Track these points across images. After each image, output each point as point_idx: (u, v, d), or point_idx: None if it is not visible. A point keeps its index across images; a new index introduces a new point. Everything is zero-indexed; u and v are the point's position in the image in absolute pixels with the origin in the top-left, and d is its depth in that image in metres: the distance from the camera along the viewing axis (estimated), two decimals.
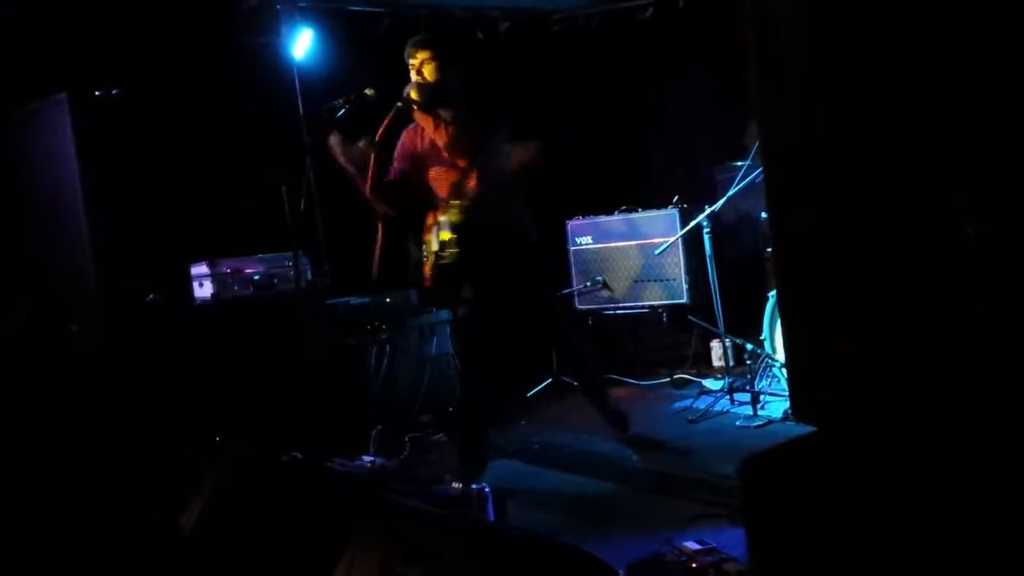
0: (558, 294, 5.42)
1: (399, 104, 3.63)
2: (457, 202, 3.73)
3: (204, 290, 4.50)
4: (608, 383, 4.43)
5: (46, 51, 4.53)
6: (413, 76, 3.72)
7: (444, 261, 3.78)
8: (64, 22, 4.58)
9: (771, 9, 1.82)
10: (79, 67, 4.52)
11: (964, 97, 1.56)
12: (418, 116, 3.75)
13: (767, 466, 1.76)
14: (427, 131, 3.76)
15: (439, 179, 3.83)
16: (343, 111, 3.70)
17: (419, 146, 3.86)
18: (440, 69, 3.69)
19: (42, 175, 4.50)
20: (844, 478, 1.70)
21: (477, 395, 3.95)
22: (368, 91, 3.75)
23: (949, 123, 1.60)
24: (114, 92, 4.43)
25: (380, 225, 3.88)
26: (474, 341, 3.95)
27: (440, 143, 3.70)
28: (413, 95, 3.63)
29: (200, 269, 4.52)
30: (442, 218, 3.79)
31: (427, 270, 3.90)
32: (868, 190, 1.73)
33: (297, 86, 5.29)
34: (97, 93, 4.40)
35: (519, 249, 3.87)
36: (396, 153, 3.92)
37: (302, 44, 5.20)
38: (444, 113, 3.70)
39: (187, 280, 4.59)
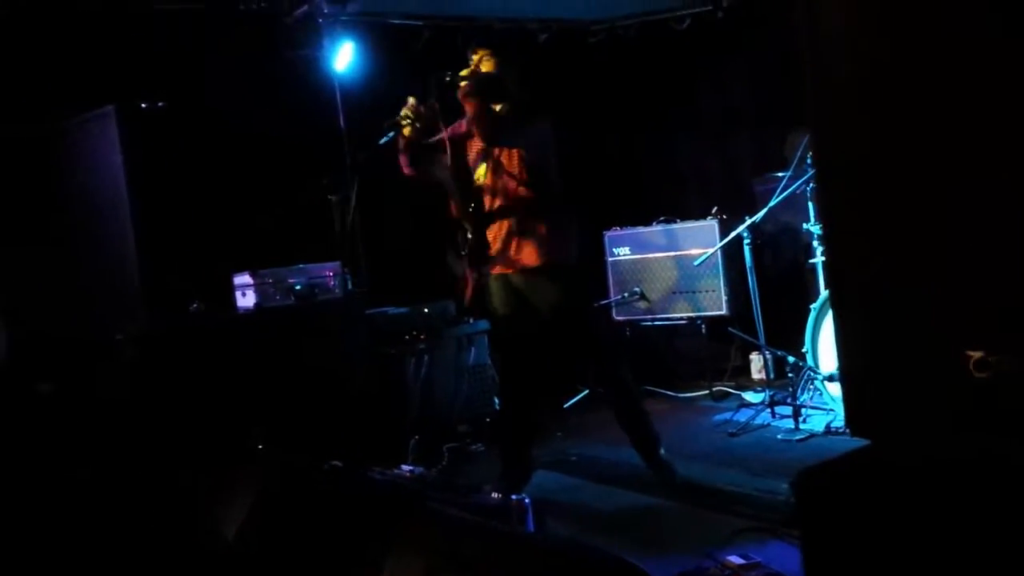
0: (596, 307, 5.37)
1: (448, 76, 3.57)
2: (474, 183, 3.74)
3: (247, 299, 4.55)
4: (644, 410, 4.30)
5: (94, 64, 4.62)
6: (472, 68, 3.70)
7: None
8: (110, 36, 4.67)
9: (826, 24, 1.80)
10: (126, 80, 4.61)
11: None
12: (467, 105, 3.61)
13: (823, 480, 1.73)
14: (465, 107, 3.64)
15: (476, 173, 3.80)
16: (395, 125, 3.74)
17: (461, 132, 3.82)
18: (497, 65, 3.70)
19: (90, 185, 4.58)
20: (902, 493, 1.68)
21: (517, 406, 3.94)
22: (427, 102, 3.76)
23: (1008, 128, 1.58)
24: (160, 104, 4.51)
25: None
26: (513, 352, 3.93)
27: (472, 113, 3.61)
28: (464, 72, 3.60)
29: (243, 279, 4.57)
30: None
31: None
32: (925, 199, 1.71)
33: (339, 98, 5.36)
34: (143, 105, 4.48)
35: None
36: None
37: (344, 57, 5.27)
38: (495, 106, 3.68)
39: (230, 289, 4.64)
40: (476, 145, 3.81)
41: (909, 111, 1.73)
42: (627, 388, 3.96)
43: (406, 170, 3.84)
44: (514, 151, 3.69)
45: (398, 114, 3.75)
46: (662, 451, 3.88)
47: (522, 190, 3.69)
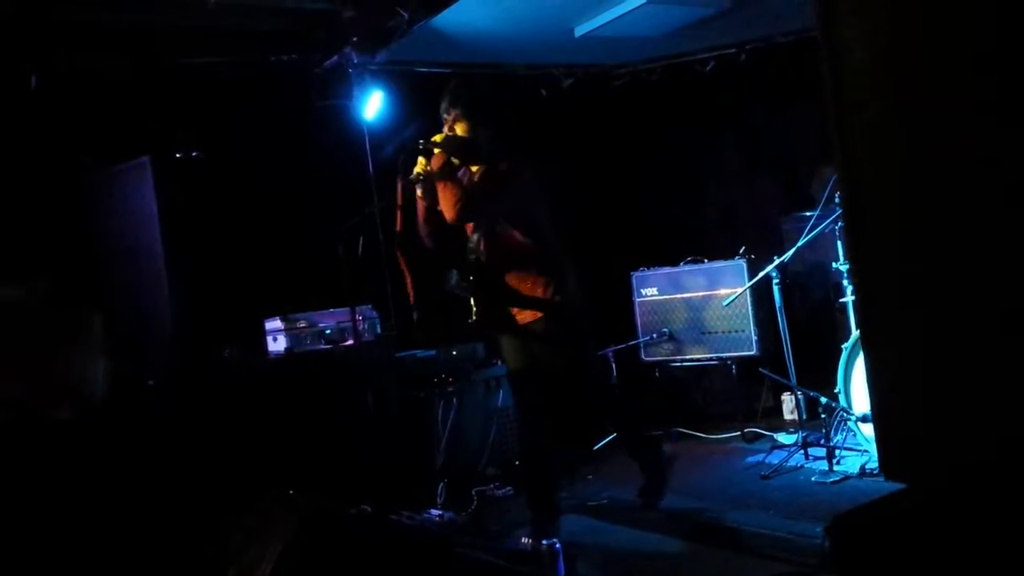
0: (594, 353, 5.17)
1: (420, 144, 3.62)
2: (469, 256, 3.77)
3: (278, 344, 4.60)
4: (653, 441, 4.31)
5: (131, 116, 4.75)
6: (445, 130, 3.72)
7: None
8: (146, 89, 4.81)
9: (850, 61, 1.81)
10: (161, 131, 4.73)
11: None
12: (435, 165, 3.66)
13: (858, 525, 1.71)
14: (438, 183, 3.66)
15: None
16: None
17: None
18: (470, 125, 3.68)
19: (125, 234, 4.68)
20: (938, 538, 1.65)
21: (536, 449, 3.92)
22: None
23: None
24: (194, 155, 4.61)
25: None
26: (523, 395, 3.92)
27: (438, 185, 3.62)
28: (437, 139, 3.63)
29: (274, 324, 4.62)
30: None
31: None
32: (956, 237, 1.70)
33: (367, 146, 5.46)
34: (178, 155, 4.59)
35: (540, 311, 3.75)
36: None
37: (373, 105, 5.38)
38: (472, 167, 3.73)
39: (262, 334, 4.69)
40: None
41: (937, 147, 1.73)
42: (634, 428, 4.11)
43: (428, 242, 3.82)
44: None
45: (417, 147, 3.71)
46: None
47: (516, 252, 3.69)
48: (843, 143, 1.85)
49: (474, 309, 3.81)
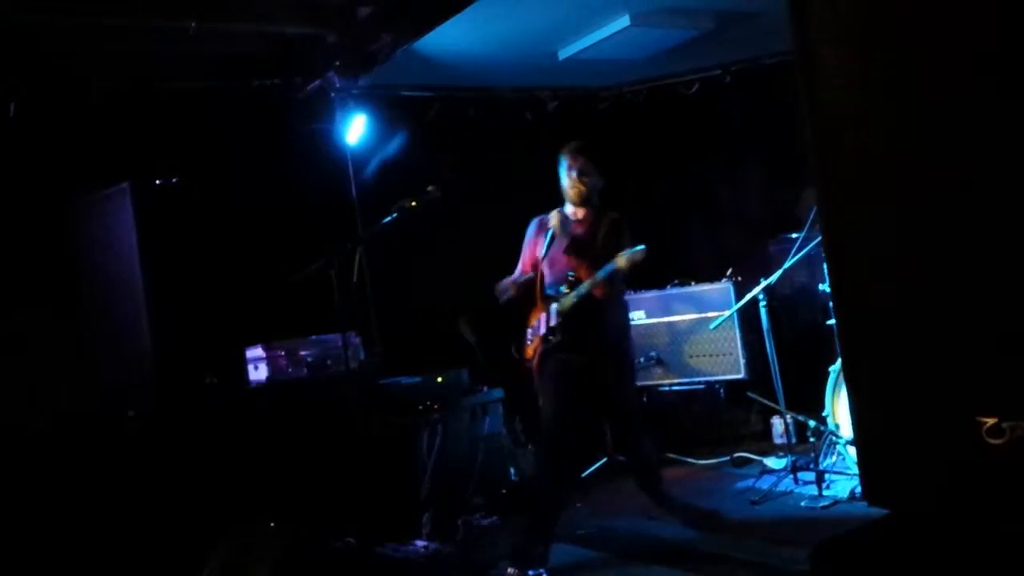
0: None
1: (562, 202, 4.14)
2: (568, 291, 3.99)
3: (259, 372, 4.53)
4: (658, 470, 4.39)
5: (110, 141, 4.71)
6: (569, 180, 4.10)
7: (551, 344, 4.01)
8: (126, 114, 4.78)
9: (827, 85, 1.79)
10: (141, 156, 4.69)
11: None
12: (571, 214, 4.15)
13: (839, 554, 1.65)
14: (569, 220, 4.11)
15: (555, 264, 4.08)
16: (411, 208, 4.02)
17: (546, 232, 4.14)
18: (592, 180, 4.12)
19: (104, 261, 4.63)
20: (920, 565, 1.60)
21: (560, 483, 4.03)
22: (431, 188, 4.08)
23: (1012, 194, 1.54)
24: (174, 180, 4.57)
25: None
26: (564, 418, 3.99)
27: (579, 233, 4.07)
28: (571, 195, 4.12)
29: (255, 352, 4.56)
30: (554, 305, 4.02)
31: (530, 351, 4.14)
32: (936, 262, 1.67)
33: (351, 170, 5.43)
34: (158, 182, 4.54)
35: (618, 343, 4.15)
36: (525, 252, 4.27)
37: (355, 130, 5.35)
38: (584, 212, 4.13)
39: (243, 362, 4.63)
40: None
41: (914, 170, 1.71)
42: (648, 459, 4.28)
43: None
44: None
45: (411, 198, 4.01)
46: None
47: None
48: (822, 167, 1.83)
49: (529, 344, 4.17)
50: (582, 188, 4.07)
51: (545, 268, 4.11)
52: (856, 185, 1.80)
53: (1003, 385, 1.54)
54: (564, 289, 4.00)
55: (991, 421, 1.53)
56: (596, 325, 3.99)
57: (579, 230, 4.08)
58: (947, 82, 1.63)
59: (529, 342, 4.16)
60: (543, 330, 4.04)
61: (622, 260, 3.82)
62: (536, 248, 4.17)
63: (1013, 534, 1.51)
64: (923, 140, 1.68)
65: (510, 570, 3.75)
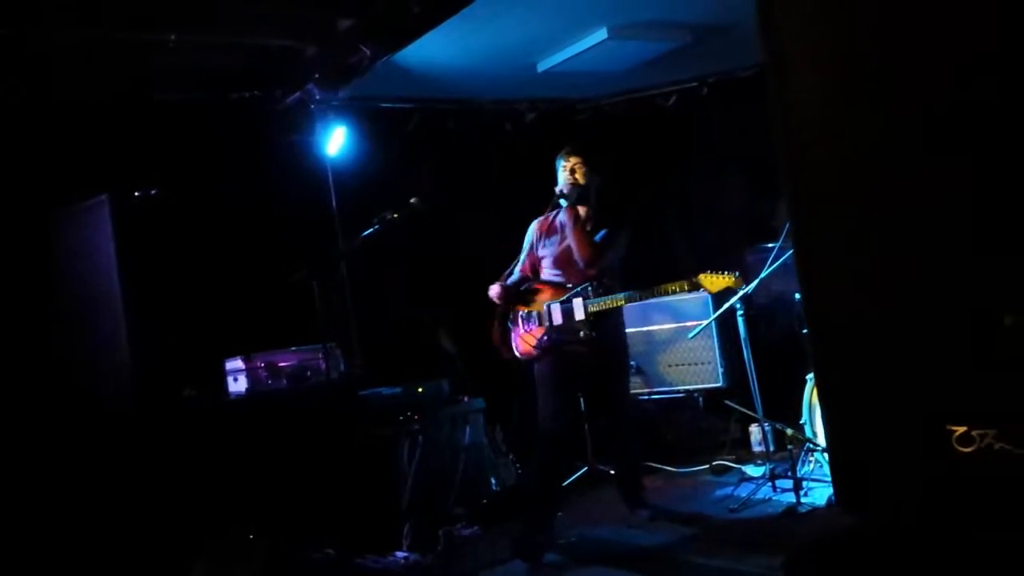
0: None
1: (558, 200, 4.18)
2: (590, 285, 4.12)
3: (239, 384, 4.52)
4: (641, 477, 4.54)
5: (88, 153, 4.70)
6: (565, 176, 4.22)
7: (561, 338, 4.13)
8: (105, 126, 4.76)
9: (796, 96, 1.83)
10: (120, 168, 4.67)
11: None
12: (568, 214, 4.22)
13: (812, 562, 1.68)
14: (571, 232, 4.19)
15: (561, 261, 4.23)
16: (393, 220, 4.16)
17: (548, 229, 4.33)
18: (587, 174, 4.22)
19: (83, 273, 4.61)
20: (894, 573, 1.63)
21: (558, 472, 4.24)
22: (413, 200, 4.20)
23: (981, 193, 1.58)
24: (153, 192, 4.56)
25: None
26: (565, 411, 4.17)
27: (574, 234, 4.15)
28: (566, 193, 4.17)
29: (235, 364, 4.55)
30: (578, 300, 4.13)
31: (527, 345, 4.24)
32: (903, 268, 1.71)
33: (331, 181, 5.43)
34: (137, 193, 4.53)
35: (618, 341, 4.32)
36: (525, 254, 4.41)
37: (336, 141, 5.36)
38: (582, 210, 4.23)
39: (222, 374, 4.62)
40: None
41: (883, 184, 1.75)
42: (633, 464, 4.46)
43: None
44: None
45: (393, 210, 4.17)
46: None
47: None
48: (793, 180, 1.87)
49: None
50: (578, 184, 4.19)
51: (549, 263, 4.26)
52: (825, 195, 1.84)
53: (972, 394, 1.58)
54: (585, 290, 4.11)
55: (961, 430, 1.57)
56: (610, 323, 4.17)
57: (576, 240, 4.17)
58: (916, 92, 1.67)
59: (525, 332, 4.23)
60: (546, 323, 4.17)
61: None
62: (538, 249, 4.32)
63: (984, 541, 1.55)
64: (892, 150, 1.71)
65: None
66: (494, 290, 4.36)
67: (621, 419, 4.38)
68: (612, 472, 4.72)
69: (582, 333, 4.06)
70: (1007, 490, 1.48)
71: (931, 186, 1.65)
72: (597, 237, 4.16)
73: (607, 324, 4.15)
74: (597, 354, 4.13)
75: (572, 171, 4.22)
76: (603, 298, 4.08)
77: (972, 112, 1.59)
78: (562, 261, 4.24)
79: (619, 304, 4.09)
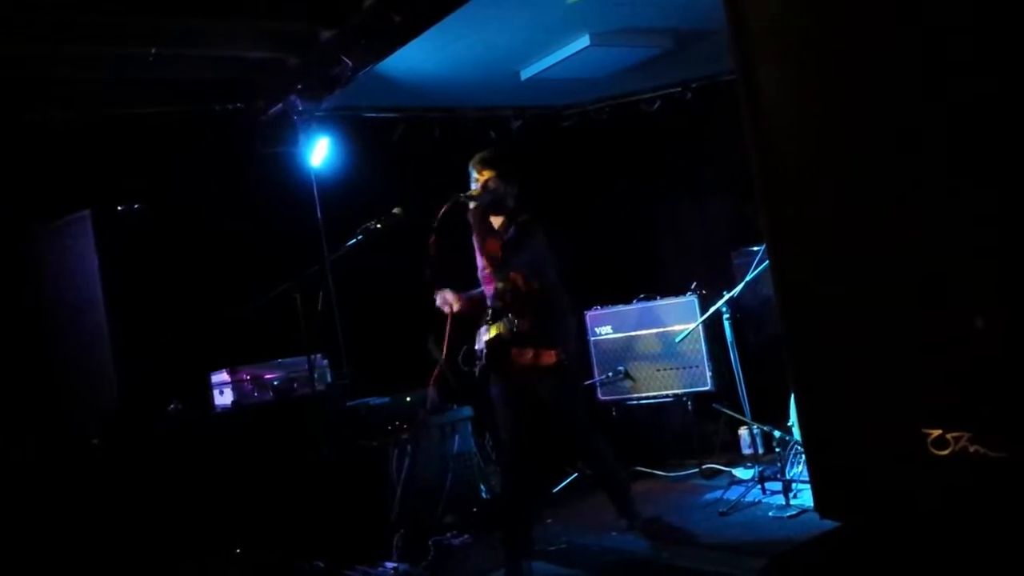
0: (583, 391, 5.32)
1: (460, 197, 4.00)
2: (499, 303, 3.96)
3: (224, 397, 4.51)
4: (626, 479, 4.38)
5: (72, 169, 4.68)
6: (476, 187, 4.06)
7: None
8: (87, 141, 4.75)
9: (768, 106, 1.83)
10: (103, 183, 4.66)
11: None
12: (471, 213, 4.10)
13: (796, 566, 1.68)
14: (474, 229, 4.10)
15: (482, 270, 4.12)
16: (376, 231, 4.08)
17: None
18: (503, 184, 4.04)
19: (66, 289, 4.59)
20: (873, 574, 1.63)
21: (522, 488, 4.05)
22: (396, 210, 4.12)
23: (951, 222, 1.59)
24: (136, 206, 4.55)
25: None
26: (518, 434, 4.01)
27: (493, 244, 4.04)
28: (474, 193, 4.03)
29: (220, 377, 4.53)
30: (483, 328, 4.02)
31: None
32: (880, 278, 1.71)
33: (316, 192, 5.42)
34: (119, 208, 4.52)
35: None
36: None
37: (319, 152, 5.36)
38: (496, 220, 4.08)
39: (208, 388, 4.60)
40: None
41: (854, 185, 1.75)
42: (609, 469, 4.19)
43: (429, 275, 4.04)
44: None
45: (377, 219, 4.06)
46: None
47: (532, 299, 3.94)
48: (764, 183, 1.87)
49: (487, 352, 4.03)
50: (487, 197, 4.02)
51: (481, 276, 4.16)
52: (797, 200, 1.84)
53: (946, 397, 1.58)
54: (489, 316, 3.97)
55: (936, 433, 1.57)
56: (536, 342, 3.94)
57: (495, 239, 4.06)
58: (889, 96, 1.68)
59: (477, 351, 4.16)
60: (477, 346, 4.05)
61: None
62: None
63: (960, 543, 1.55)
64: (863, 152, 1.72)
65: None
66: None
67: (573, 436, 4.17)
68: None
69: (481, 360, 3.98)
70: (983, 493, 1.48)
71: (905, 185, 1.65)
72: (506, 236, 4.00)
73: (528, 344, 3.92)
74: (518, 374, 3.97)
75: (484, 184, 4.04)
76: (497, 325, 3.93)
77: (946, 108, 1.59)
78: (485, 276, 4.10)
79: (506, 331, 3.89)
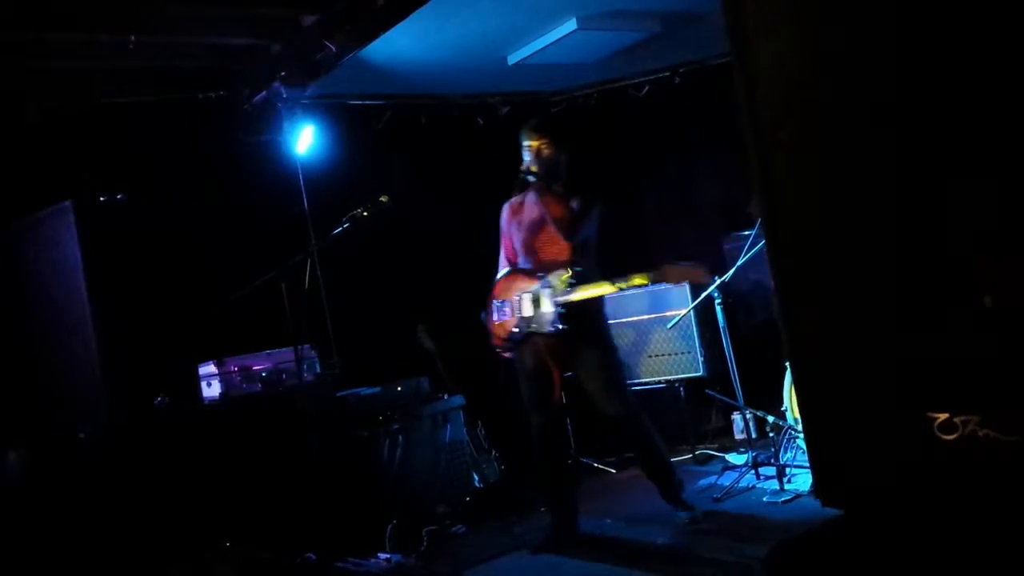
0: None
1: (526, 177, 4.01)
2: (563, 273, 3.95)
3: (212, 389, 4.45)
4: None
5: (52, 160, 4.60)
6: (530, 156, 4.03)
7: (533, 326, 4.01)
8: (69, 130, 4.66)
9: (764, 84, 1.79)
10: (84, 173, 4.58)
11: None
12: (536, 187, 4.05)
13: (794, 555, 1.65)
14: (541, 201, 4.05)
15: (545, 246, 4.09)
16: (363, 218, 4.06)
17: (524, 214, 4.16)
18: (556, 150, 4.06)
19: (49, 281, 4.51)
20: (871, 566, 1.60)
21: (562, 456, 4.18)
22: (383, 198, 4.07)
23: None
24: (119, 197, 4.47)
25: None
26: (540, 401, 4.07)
27: (555, 214, 4.00)
28: (534, 169, 4.00)
29: (208, 368, 4.47)
30: (539, 286, 4.01)
31: (502, 331, 4.13)
32: (881, 257, 1.67)
33: (301, 180, 5.35)
34: (102, 199, 4.44)
35: (594, 333, 4.07)
36: (504, 240, 4.28)
37: (304, 140, 5.29)
38: (556, 188, 4.05)
39: (195, 379, 4.54)
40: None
41: (850, 165, 1.71)
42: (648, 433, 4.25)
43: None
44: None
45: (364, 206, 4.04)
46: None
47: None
48: (760, 162, 1.83)
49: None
50: (543, 166, 4.01)
51: (520, 249, 4.16)
52: (794, 179, 1.80)
53: (954, 378, 1.54)
54: (554, 282, 3.96)
55: (943, 416, 1.54)
56: (585, 314, 4.00)
57: (551, 208, 4.02)
58: (881, 75, 1.64)
59: (498, 321, 4.15)
60: (517, 313, 4.06)
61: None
62: (511, 233, 4.21)
63: (965, 531, 1.52)
64: (859, 131, 1.68)
65: None
66: None
67: (612, 416, 4.12)
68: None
69: (550, 326, 3.94)
70: (993, 478, 1.45)
71: (908, 161, 1.61)
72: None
73: (581, 315, 3.95)
74: (568, 347, 4.00)
75: (538, 151, 4.03)
76: (572, 290, 3.92)
77: (949, 84, 1.55)
78: (530, 247, 4.11)
79: (589, 296, 3.92)
